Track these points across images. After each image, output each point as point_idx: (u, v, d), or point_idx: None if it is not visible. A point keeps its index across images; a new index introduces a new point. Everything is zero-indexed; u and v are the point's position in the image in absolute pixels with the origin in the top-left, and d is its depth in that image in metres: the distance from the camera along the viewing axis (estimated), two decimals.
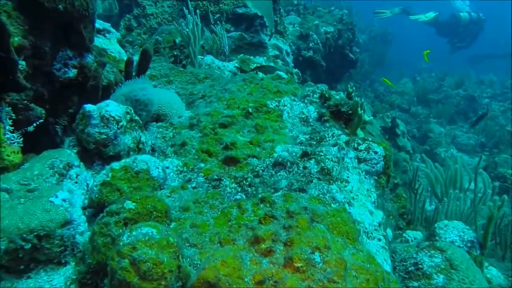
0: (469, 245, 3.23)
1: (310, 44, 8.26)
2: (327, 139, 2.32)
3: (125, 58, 2.89)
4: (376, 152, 2.29)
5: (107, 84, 2.62)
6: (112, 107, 2.13)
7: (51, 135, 2.51)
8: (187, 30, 3.95)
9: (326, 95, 2.75)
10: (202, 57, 5.07)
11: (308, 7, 9.98)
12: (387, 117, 8.79)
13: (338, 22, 9.53)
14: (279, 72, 3.21)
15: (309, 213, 1.63)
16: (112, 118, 2.10)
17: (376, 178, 2.30)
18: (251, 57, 6.08)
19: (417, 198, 4.20)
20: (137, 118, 2.34)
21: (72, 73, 2.35)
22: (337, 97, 2.97)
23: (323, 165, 2.03)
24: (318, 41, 8.50)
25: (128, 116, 2.25)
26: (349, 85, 2.76)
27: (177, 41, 5.25)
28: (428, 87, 14.27)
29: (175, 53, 5.11)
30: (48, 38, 2.18)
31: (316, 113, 2.70)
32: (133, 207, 1.62)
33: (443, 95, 13.77)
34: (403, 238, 3.51)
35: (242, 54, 6.15)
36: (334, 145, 2.21)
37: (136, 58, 2.93)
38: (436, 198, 4.64)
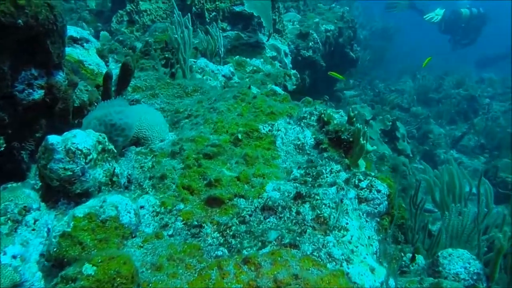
0: (475, 277, 3.01)
1: (310, 44, 7.94)
2: (325, 175, 2.05)
3: (104, 72, 2.60)
4: (379, 191, 2.03)
5: (79, 105, 2.35)
6: (80, 139, 1.86)
7: (17, 161, 2.25)
8: (176, 36, 3.64)
9: (325, 118, 2.48)
10: (195, 60, 4.77)
11: (308, 3, 9.63)
12: (387, 119, 8.54)
13: (339, 20, 9.21)
14: (274, 87, 2.93)
15: (301, 284, 1.38)
16: (79, 152, 1.83)
17: (378, 220, 2.04)
18: (248, 59, 5.78)
19: (418, 213, 4.01)
20: (111, 147, 2.06)
21: (38, 94, 2.08)
22: (337, 116, 2.70)
23: (319, 212, 1.77)
24: (318, 40, 8.18)
25: (100, 147, 1.98)
26: (350, 109, 2.49)
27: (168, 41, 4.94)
28: (428, 86, 13.99)
29: (167, 55, 4.80)
30: (7, 57, 1.90)
31: (313, 139, 2.43)
32: (93, 273, 1.37)
33: (443, 94, 13.50)
34: (403, 263, 3.30)
35: (238, 56, 5.85)
36: (332, 184, 1.95)
37: (116, 71, 2.65)
38: (434, 203, 4.46)
